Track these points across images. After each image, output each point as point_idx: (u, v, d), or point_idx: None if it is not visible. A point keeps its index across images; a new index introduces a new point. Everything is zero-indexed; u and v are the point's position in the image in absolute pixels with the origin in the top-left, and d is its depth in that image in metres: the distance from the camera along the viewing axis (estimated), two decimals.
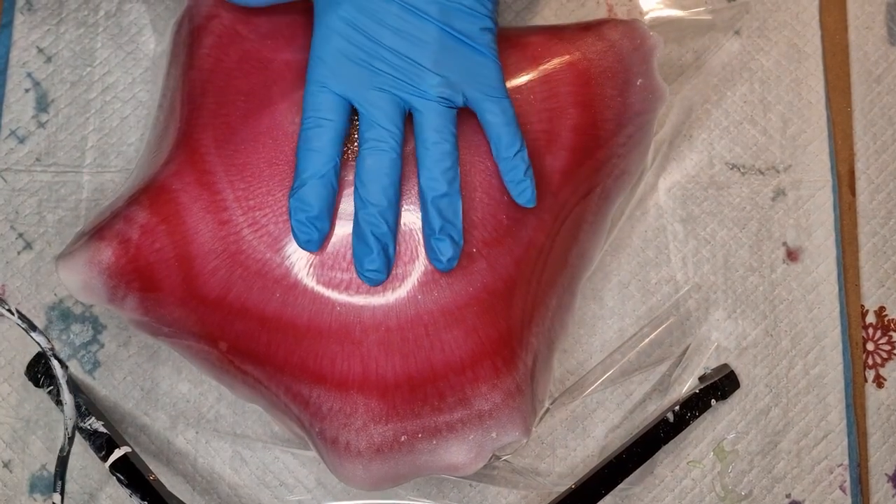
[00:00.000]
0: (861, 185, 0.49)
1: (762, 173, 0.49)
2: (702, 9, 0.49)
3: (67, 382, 0.39)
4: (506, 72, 0.40)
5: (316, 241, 0.36)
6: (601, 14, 0.51)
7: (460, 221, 0.36)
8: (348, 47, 0.36)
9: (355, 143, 0.38)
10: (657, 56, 0.44)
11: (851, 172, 0.49)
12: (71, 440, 0.40)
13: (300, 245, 0.37)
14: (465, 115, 0.38)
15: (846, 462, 0.46)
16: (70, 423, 0.40)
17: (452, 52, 0.37)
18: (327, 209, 0.36)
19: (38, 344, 0.38)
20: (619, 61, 0.42)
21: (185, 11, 0.43)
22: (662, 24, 0.49)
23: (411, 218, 0.37)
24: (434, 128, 0.36)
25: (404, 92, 0.36)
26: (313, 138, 0.36)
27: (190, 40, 0.42)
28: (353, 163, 0.38)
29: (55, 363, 0.39)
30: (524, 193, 0.38)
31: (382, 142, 0.36)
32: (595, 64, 0.41)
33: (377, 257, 0.36)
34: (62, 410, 0.43)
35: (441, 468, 0.39)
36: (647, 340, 0.47)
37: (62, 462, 0.40)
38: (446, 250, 0.36)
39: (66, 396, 0.39)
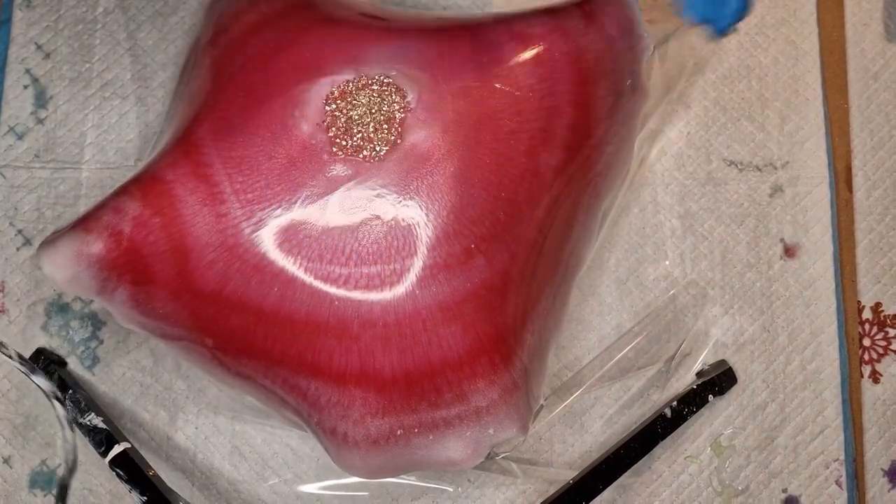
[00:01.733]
0: (858, 181, 0.49)
1: (760, 170, 0.49)
2: None
3: (69, 421, 0.39)
4: (507, 67, 0.40)
5: None
6: None
7: None
8: None
9: (355, 138, 0.38)
10: (646, 57, 0.44)
11: (848, 169, 0.50)
12: (71, 472, 0.40)
13: None
14: (468, 109, 0.38)
15: (842, 457, 0.46)
16: (69, 458, 0.39)
17: None
18: None
19: (39, 387, 0.38)
20: (615, 61, 0.43)
21: (202, 28, 0.44)
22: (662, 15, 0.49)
23: (410, 213, 0.37)
24: None
25: None
26: None
27: (198, 56, 0.43)
28: (351, 157, 0.38)
29: (56, 404, 0.39)
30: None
31: None
32: (593, 64, 0.41)
33: None
34: (63, 408, 0.43)
35: (438, 462, 0.39)
36: (643, 336, 0.47)
37: (62, 491, 0.40)
38: None
39: (68, 434, 0.39)
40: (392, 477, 0.40)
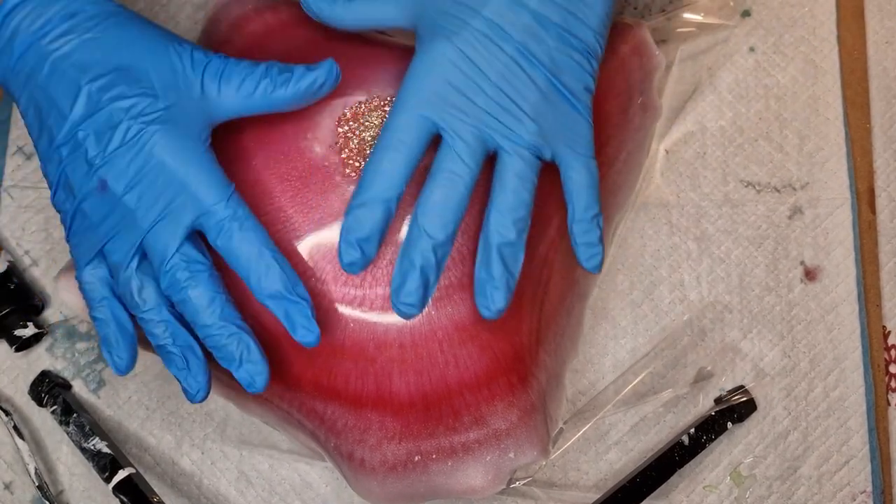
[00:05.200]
0: (881, 202, 0.48)
1: (778, 191, 0.48)
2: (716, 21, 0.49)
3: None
4: None
5: (359, 265, 0.35)
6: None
7: (518, 273, 0.35)
8: (454, 75, 0.35)
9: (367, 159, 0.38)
10: (658, 75, 0.44)
11: (871, 190, 0.49)
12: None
13: (343, 266, 0.35)
14: None
15: (869, 489, 0.45)
16: None
17: (552, 105, 0.36)
18: (379, 235, 0.35)
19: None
20: (626, 80, 0.43)
21: (201, 36, 0.44)
22: (675, 32, 0.49)
23: None
24: (518, 174, 0.35)
25: (497, 132, 0.35)
26: (385, 159, 0.35)
27: None
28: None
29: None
30: (593, 259, 0.37)
31: (459, 177, 0.35)
32: (605, 83, 0.41)
33: (416, 291, 0.35)
34: (67, 432, 0.43)
35: (458, 490, 0.38)
36: (660, 361, 0.46)
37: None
38: (500, 300, 0.35)
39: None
40: None
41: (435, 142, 0.36)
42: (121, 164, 0.34)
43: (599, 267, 0.37)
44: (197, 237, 0.35)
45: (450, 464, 0.38)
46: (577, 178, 0.36)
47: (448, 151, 0.35)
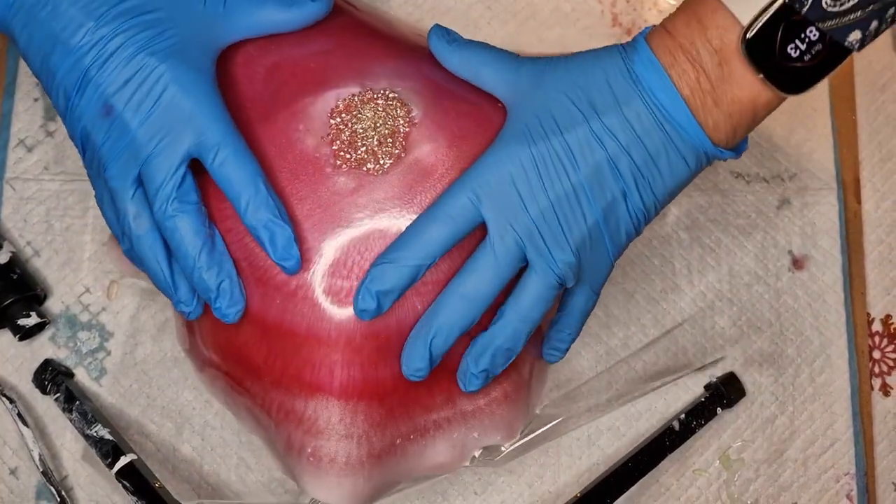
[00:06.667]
0: (866, 193, 0.49)
1: (767, 181, 0.49)
2: None
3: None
4: None
5: (370, 314, 0.36)
6: (605, 23, 0.51)
7: (502, 368, 0.37)
8: (519, 177, 0.35)
9: (359, 151, 0.38)
10: None
11: (857, 181, 0.49)
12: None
13: (355, 310, 0.36)
14: (473, 125, 0.38)
15: (853, 471, 0.46)
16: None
17: (595, 244, 0.36)
18: (398, 293, 0.36)
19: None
20: None
21: None
22: None
23: None
24: (537, 295, 0.36)
25: (536, 250, 0.35)
26: (431, 228, 0.35)
27: None
28: (354, 171, 0.38)
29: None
30: (552, 357, 0.41)
31: (492, 275, 0.35)
32: None
33: (424, 366, 0.36)
34: (70, 419, 0.44)
35: (427, 468, 0.40)
36: (652, 349, 0.47)
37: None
38: (473, 384, 0.37)
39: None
40: (384, 495, 0.40)
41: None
42: (127, 90, 0.35)
43: (554, 362, 0.41)
44: (191, 174, 0.36)
45: (423, 443, 0.39)
46: (576, 303, 0.38)
47: (489, 250, 0.35)
